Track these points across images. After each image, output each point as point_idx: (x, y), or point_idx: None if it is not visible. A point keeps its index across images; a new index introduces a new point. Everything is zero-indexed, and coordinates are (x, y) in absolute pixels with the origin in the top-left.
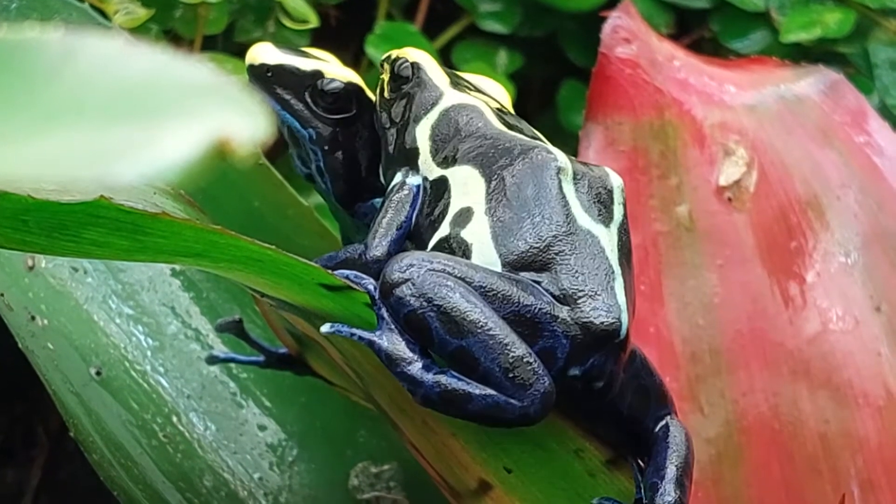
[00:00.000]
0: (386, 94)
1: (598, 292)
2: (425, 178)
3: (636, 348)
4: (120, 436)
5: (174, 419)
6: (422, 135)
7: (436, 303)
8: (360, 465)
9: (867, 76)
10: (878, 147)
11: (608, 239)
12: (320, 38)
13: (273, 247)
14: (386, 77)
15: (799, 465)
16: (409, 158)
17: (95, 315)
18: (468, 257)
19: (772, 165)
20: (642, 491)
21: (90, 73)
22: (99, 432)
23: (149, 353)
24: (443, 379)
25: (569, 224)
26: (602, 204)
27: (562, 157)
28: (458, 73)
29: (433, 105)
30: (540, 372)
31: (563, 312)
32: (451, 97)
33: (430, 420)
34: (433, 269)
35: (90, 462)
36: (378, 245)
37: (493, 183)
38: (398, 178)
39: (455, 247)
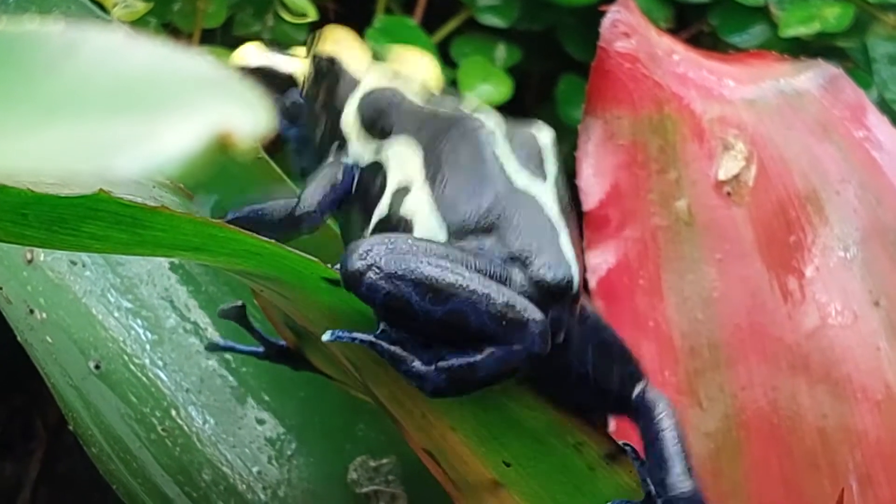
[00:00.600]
0: (309, 91)
1: (545, 249)
2: (356, 165)
3: (588, 304)
4: (119, 429)
5: (173, 413)
6: (347, 123)
7: (408, 277)
8: (359, 459)
9: (866, 71)
10: (878, 142)
11: (546, 195)
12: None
13: (272, 241)
14: (310, 69)
15: (798, 460)
16: (339, 148)
17: (94, 308)
18: (411, 231)
19: (771, 160)
20: (650, 484)
21: (90, 67)
22: (98, 426)
23: (147, 347)
24: (443, 365)
25: (507, 185)
26: (536, 162)
27: (490, 121)
28: (381, 54)
29: (353, 93)
30: (529, 308)
31: (515, 273)
32: (369, 83)
33: (429, 414)
34: (392, 249)
35: (89, 455)
36: (311, 199)
37: (427, 155)
38: (331, 157)
39: (397, 223)
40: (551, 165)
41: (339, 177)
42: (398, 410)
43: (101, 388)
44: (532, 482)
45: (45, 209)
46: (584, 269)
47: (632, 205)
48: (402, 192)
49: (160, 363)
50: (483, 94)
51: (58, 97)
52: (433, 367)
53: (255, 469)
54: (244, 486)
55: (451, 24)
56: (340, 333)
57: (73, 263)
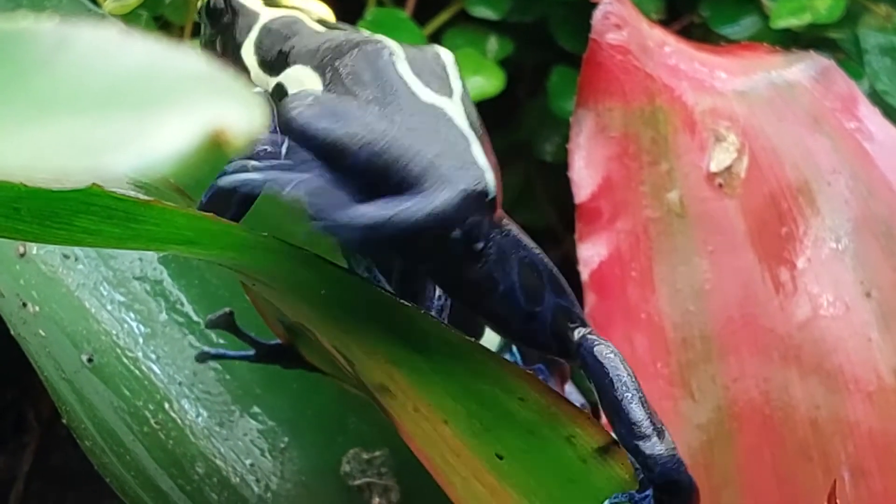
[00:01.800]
0: (207, 33)
1: (457, 157)
2: (265, 92)
3: (512, 223)
4: (112, 422)
5: (166, 406)
6: (247, 54)
7: (343, 113)
8: (352, 452)
9: (857, 62)
10: (869, 133)
11: (454, 109)
12: None
13: (265, 234)
14: (203, 19)
15: (790, 451)
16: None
17: (87, 302)
18: None
19: (763, 151)
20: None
21: (84, 64)
22: (91, 419)
23: (140, 340)
24: (374, 206)
25: (413, 100)
26: (439, 79)
27: (390, 42)
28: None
29: (252, 26)
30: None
31: None
32: (267, 14)
33: (421, 407)
34: (329, 98)
35: (82, 448)
36: None
37: (328, 76)
38: None
39: None
40: (456, 84)
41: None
42: (390, 403)
43: (94, 381)
44: (525, 474)
45: (37, 203)
46: (498, 178)
47: (624, 197)
48: None
49: (153, 356)
50: (475, 87)
51: (51, 94)
52: (363, 207)
53: (248, 462)
54: (237, 479)
55: (443, 16)
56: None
57: (66, 257)
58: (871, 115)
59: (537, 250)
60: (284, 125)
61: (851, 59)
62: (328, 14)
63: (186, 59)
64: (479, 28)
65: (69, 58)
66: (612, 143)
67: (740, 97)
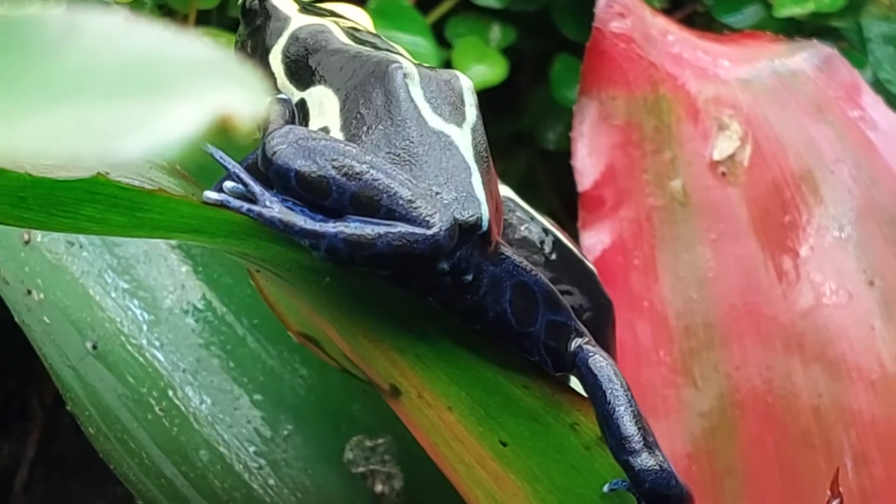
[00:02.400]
0: (241, 33)
1: (455, 186)
2: (289, 100)
3: (508, 249)
4: (116, 410)
5: (170, 393)
6: (275, 61)
7: (325, 154)
8: (355, 439)
9: (860, 51)
10: (872, 121)
11: (461, 138)
12: None
13: (272, 223)
14: (241, 18)
15: (792, 439)
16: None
17: (91, 289)
18: None
19: (766, 140)
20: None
21: (91, 51)
22: (95, 406)
23: (145, 328)
24: (343, 225)
25: (420, 127)
26: (452, 106)
27: (407, 64)
28: (314, 2)
29: (282, 31)
30: (442, 204)
31: None
32: (298, 21)
33: (426, 394)
34: (311, 135)
35: (86, 435)
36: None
37: (346, 99)
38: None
39: None
40: (470, 112)
41: (286, 111)
42: (393, 390)
43: (98, 368)
44: (528, 461)
45: (43, 192)
46: (498, 211)
47: (627, 185)
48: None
49: (157, 343)
50: (478, 75)
51: (58, 81)
52: (331, 224)
53: (251, 449)
54: (241, 466)
55: (446, 5)
56: (228, 199)
57: (71, 244)
58: (874, 104)
59: (533, 272)
60: (265, 162)
61: (854, 48)
62: (365, 19)
63: (193, 46)
64: (482, 16)
65: (76, 44)
66: (615, 131)
67: (743, 86)
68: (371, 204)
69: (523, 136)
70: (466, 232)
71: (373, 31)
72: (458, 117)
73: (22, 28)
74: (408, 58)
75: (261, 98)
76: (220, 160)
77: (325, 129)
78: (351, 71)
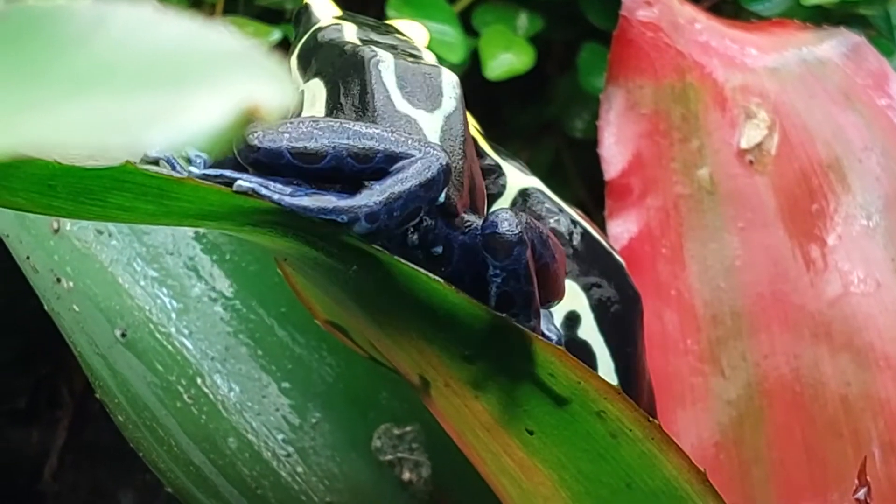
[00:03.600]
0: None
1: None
2: (302, 92)
3: (477, 218)
4: (145, 397)
5: (198, 381)
6: (292, 57)
7: (303, 124)
8: (383, 427)
9: (888, 38)
10: None
11: (428, 122)
12: (342, 2)
13: (300, 209)
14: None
15: (820, 428)
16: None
17: (120, 277)
18: None
19: (793, 128)
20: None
21: (119, 41)
22: (124, 394)
23: (173, 316)
24: (368, 191)
25: (387, 109)
26: (428, 95)
27: (385, 55)
28: (357, 15)
29: (306, 31)
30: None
31: None
32: (322, 22)
33: (451, 382)
34: (281, 122)
35: (115, 423)
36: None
37: (331, 90)
38: None
39: None
40: (448, 103)
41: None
42: (420, 380)
43: (127, 356)
44: (555, 450)
45: (72, 180)
46: (475, 190)
47: (654, 174)
48: None
49: (186, 332)
50: (505, 63)
51: (86, 71)
52: (361, 195)
53: (279, 437)
54: (269, 454)
55: None
56: (257, 188)
57: (100, 233)
58: None
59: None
60: (247, 153)
61: (882, 36)
62: (420, 33)
63: (220, 37)
64: (510, 5)
65: (105, 36)
66: (642, 120)
67: (771, 74)
68: (367, 153)
69: (550, 124)
70: (446, 173)
71: (423, 45)
72: (430, 105)
73: (50, 19)
74: (429, 58)
75: (287, 89)
76: (216, 175)
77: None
78: (339, 63)
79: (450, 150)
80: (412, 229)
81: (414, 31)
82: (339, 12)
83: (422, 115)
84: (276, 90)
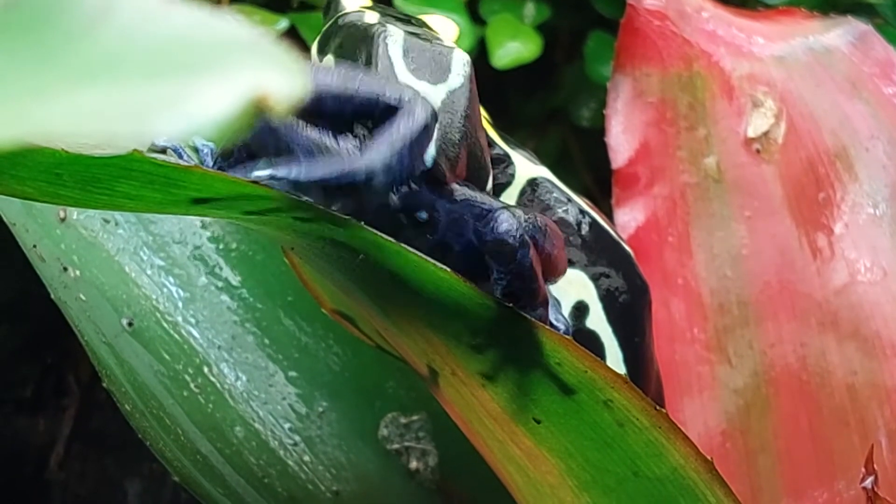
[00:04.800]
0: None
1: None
2: None
3: (469, 188)
4: (152, 386)
5: (205, 370)
6: (314, 45)
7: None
8: (390, 416)
9: (895, 26)
10: None
11: (430, 93)
12: None
13: (306, 198)
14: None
15: (826, 416)
16: None
17: (127, 266)
18: None
19: (800, 117)
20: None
21: (128, 29)
22: (131, 383)
23: (180, 304)
24: (373, 149)
25: (389, 78)
26: (434, 69)
27: (394, 29)
28: (390, 7)
29: (330, 19)
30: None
31: None
32: (345, 10)
33: (459, 371)
34: None
35: (122, 412)
36: None
37: (338, 64)
38: None
39: None
40: (454, 79)
41: None
42: (426, 369)
43: (134, 345)
44: (563, 438)
45: (78, 169)
46: (457, 161)
47: (661, 162)
48: None
49: (192, 321)
50: (512, 52)
51: (95, 60)
52: (366, 151)
53: (286, 426)
54: (276, 443)
55: None
56: (268, 173)
57: (106, 221)
58: None
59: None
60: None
61: (889, 25)
62: (449, 28)
63: (228, 26)
64: None
65: (113, 24)
66: (649, 108)
67: (778, 63)
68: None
69: (557, 112)
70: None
71: (451, 40)
72: (434, 78)
73: (59, 7)
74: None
75: (297, 78)
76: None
77: None
78: (352, 40)
79: (447, 122)
80: (394, 190)
81: (444, 26)
82: (367, 1)
83: (424, 86)
84: (285, 79)
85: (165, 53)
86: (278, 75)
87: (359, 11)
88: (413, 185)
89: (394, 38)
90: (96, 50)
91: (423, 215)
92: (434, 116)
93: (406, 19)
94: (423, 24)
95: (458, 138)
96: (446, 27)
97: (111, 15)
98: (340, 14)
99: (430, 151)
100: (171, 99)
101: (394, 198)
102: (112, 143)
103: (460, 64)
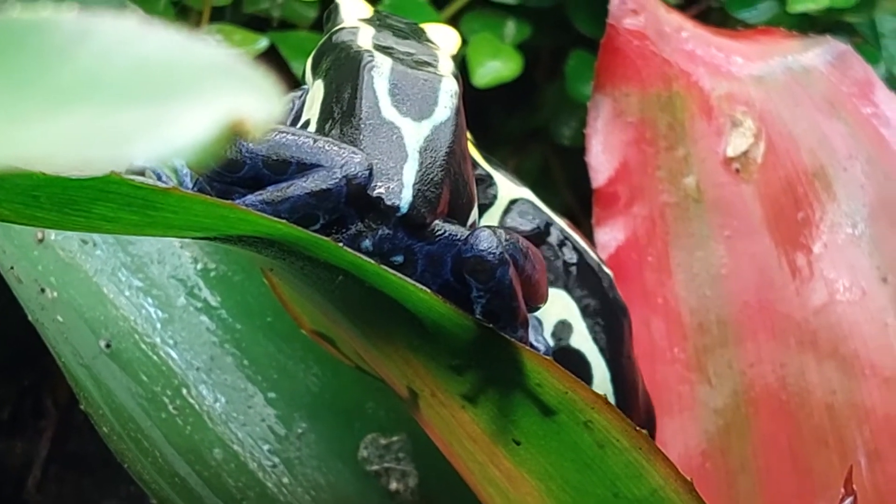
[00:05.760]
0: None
1: (385, 169)
2: (306, 92)
3: (451, 226)
4: (130, 408)
5: (184, 391)
6: (311, 56)
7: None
8: (369, 437)
9: (874, 46)
10: (885, 118)
11: (413, 131)
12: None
13: (283, 221)
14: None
15: (806, 436)
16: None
17: (105, 287)
18: None
19: (779, 136)
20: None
21: (104, 54)
22: (109, 405)
23: (158, 326)
24: (260, 191)
25: (372, 116)
26: (419, 103)
27: (382, 60)
28: (391, 15)
29: (326, 33)
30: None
31: None
32: (343, 25)
33: (439, 393)
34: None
35: (100, 434)
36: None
37: (327, 92)
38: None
39: None
40: (440, 112)
41: (290, 102)
42: (405, 390)
43: (111, 367)
44: (542, 460)
45: (56, 191)
46: (468, 203)
47: (640, 182)
48: (306, 127)
49: (171, 342)
50: (492, 71)
51: (71, 84)
52: (257, 192)
53: (265, 447)
54: (255, 465)
55: (461, 1)
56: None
57: (84, 242)
58: (887, 100)
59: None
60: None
61: (869, 44)
62: (450, 38)
63: (205, 49)
64: (497, 12)
65: (89, 48)
66: (629, 128)
67: (757, 82)
68: (281, 164)
69: (538, 131)
70: (378, 208)
71: (450, 51)
72: (419, 113)
73: (35, 31)
74: (445, 66)
75: (274, 102)
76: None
77: (307, 123)
78: (340, 66)
79: (429, 160)
80: (364, 235)
81: (444, 36)
82: (368, 13)
83: (407, 123)
84: (261, 103)
85: (142, 77)
86: (254, 99)
87: (353, 28)
88: (387, 230)
89: (380, 70)
90: (73, 74)
91: (399, 259)
92: (350, 185)
93: (403, 30)
94: (421, 34)
95: (441, 177)
96: (447, 36)
97: (88, 38)
98: (337, 29)
99: (406, 196)
100: (147, 123)
101: (367, 242)
102: (89, 167)
103: (447, 96)
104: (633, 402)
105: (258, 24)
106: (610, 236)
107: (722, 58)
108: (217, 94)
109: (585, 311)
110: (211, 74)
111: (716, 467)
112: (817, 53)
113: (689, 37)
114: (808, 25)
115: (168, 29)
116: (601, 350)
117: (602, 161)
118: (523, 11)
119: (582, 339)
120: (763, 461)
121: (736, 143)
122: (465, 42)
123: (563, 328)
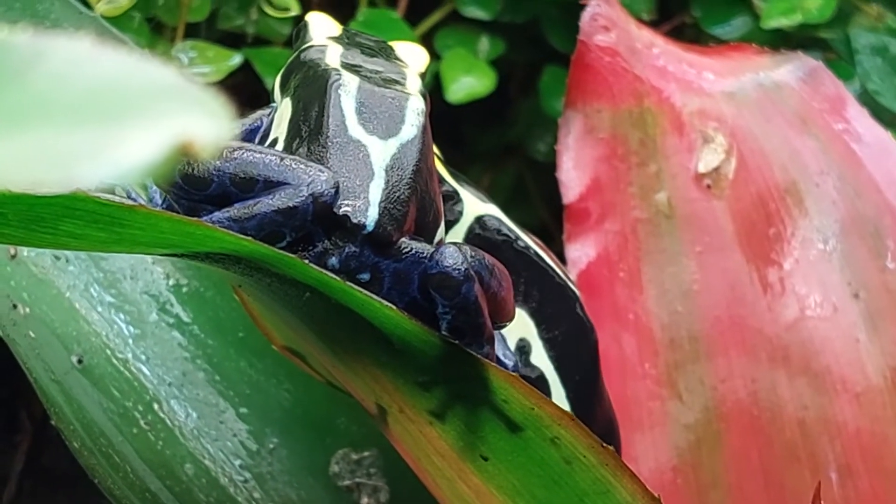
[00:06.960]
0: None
1: (351, 186)
2: (274, 110)
3: (419, 244)
4: (101, 423)
5: (155, 407)
6: (279, 74)
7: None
8: (341, 452)
9: (848, 61)
10: (857, 134)
11: (379, 149)
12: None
13: (250, 238)
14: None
15: (778, 451)
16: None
17: (77, 303)
18: None
19: (751, 152)
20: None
21: (57, 76)
22: (80, 420)
23: (130, 342)
24: (227, 208)
25: (339, 134)
26: (386, 121)
27: (350, 78)
28: (360, 33)
29: (295, 50)
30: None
31: None
32: (311, 42)
33: (407, 409)
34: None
35: (71, 450)
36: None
37: (295, 110)
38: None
39: None
40: (407, 130)
41: (258, 120)
42: (374, 406)
43: (83, 382)
44: (510, 475)
45: (22, 208)
46: (435, 220)
47: (612, 198)
48: (273, 145)
49: (143, 357)
50: (466, 87)
51: (24, 106)
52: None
53: (237, 462)
54: (226, 480)
55: (435, 17)
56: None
57: (57, 259)
58: (858, 117)
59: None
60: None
61: (842, 59)
62: (418, 56)
63: (157, 71)
64: (471, 28)
65: (43, 69)
66: (600, 144)
67: (728, 98)
68: (247, 181)
69: (512, 147)
70: (344, 226)
71: (418, 69)
72: (385, 131)
73: None
74: (413, 84)
75: (223, 123)
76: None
77: (275, 141)
78: (307, 85)
79: (395, 178)
80: (331, 253)
81: (413, 54)
82: (337, 31)
83: (374, 141)
84: (211, 125)
85: (94, 99)
86: (204, 120)
87: (321, 46)
88: (353, 248)
89: (347, 88)
90: (26, 95)
91: (366, 276)
92: (316, 203)
93: (372, 48)
94: (390, 52)
95: (407, 195)
96: (415, 55)
97: (42, 60)
98: (305, 47)
99: (372, 214)
100: (98, 145)
101: (333, 260)
102: (41, 188)
103: (414, 114)
104: (588, 423)
105: (233, 40)
106: (581, 252)
107: (693, 74)
108: (167, 115)
109: (544, 331)
110: (161, 96)
111: (687, 483)
112: (789, 70)
113: (660, 53)
114: (782, 41)
115: (121, 51)
116: (557, 369)
117: (573, 177)
118: (497, 27)
119: (539, 359)
120: (734, 477)
121: (707, 159)
122: (438, 58)
123: (522, 347)
